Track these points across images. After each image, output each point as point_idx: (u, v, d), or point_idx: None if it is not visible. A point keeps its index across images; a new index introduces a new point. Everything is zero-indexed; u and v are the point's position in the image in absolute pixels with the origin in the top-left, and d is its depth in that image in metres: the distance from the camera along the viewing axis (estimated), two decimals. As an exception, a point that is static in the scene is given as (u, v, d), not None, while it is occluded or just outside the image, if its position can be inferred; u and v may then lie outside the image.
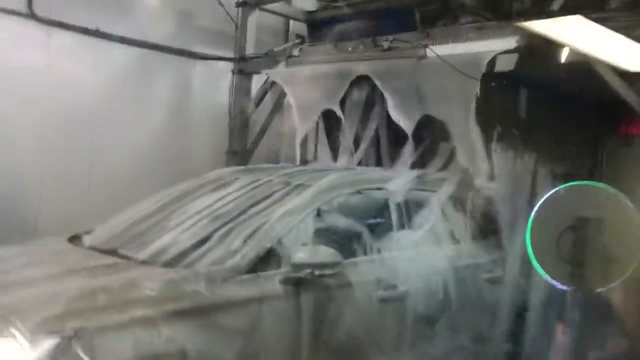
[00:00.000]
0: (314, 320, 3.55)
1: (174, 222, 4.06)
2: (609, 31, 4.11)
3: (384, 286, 3.95)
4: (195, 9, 7.46)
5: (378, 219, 4.30)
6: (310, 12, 6.91)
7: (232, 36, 7.47)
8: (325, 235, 3.86)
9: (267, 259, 3.54)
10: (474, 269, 4.57)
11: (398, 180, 4.59)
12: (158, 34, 7.10)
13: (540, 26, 4.29)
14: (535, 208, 4.35)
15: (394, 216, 4.25)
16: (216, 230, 3.77)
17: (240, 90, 7.45)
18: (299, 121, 6.40)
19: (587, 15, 4.32)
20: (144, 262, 3.57)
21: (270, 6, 7.50)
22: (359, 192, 4.27)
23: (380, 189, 4.40)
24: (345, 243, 3.95)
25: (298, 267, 3.47)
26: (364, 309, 3.83)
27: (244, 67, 7.39)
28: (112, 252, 3.81)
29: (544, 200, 4.36)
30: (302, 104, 6.32)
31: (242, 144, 7.48)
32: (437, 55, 5.00)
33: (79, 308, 2.89)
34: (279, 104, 7.60)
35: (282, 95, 7.49)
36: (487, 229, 4.91)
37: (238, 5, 7.35)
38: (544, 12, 4.44)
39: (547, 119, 5.80)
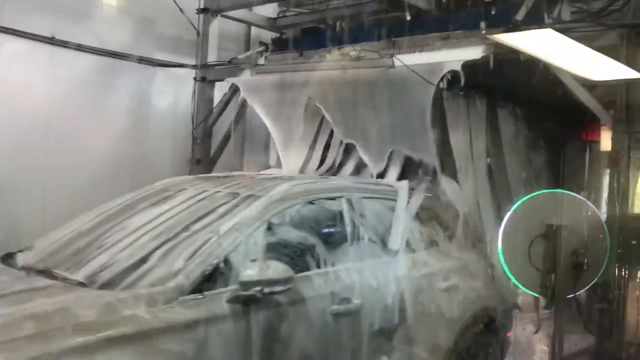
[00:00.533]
0: (265, 340, 3.40)
1: (114, 238, 3.79)
2: (572, 42, 4.21)
3: (339, 300, 3.79)
4: (156, 15, 7.32)
5: (332, 230, 4.17)
6: (274, 19, 6.85)
7: (193, 43, 7.36)
8: (276, 249, 3.69)
9: (213, 278, 3.33)
10: (429, 278, 4.48)
11: (353, 190, 4.49)
12: (117, 41, 6.94)
13: (506, 37, 4.37)
14: (507, 216, 4.44)
15: (349, 227, 4.12)
16: (158, 247, 3.53)
17: (202, 98, 7.36)
18: (271, 129, 6.38)
19: (549, 26, 4.44)
20: (80, 284, 3.29)
21: (231, 13, 7.42)
22: (311, 203, 4.10)
23: (333, 198, 4.25)
24: (298, 257, 3.79)
25: (246, 284, 3.27)
26: (317, 325, 3.67)
27: (206, 74, 7.30)
28: (46, 273, 3.50)
29: (515, 209, 4.45)
30: (270, 112, 6.27)
31: (205, 152, 7.38)
32: (404, 65, 5.02)
33: (2, 340, 2.62)
34: (242, 112, 7.54)
35: (245, 102, 7.44)
36: (444, 237, 4.89)
37: (199, 12, 7.25)
38: (511, 24, 4.48)
39: (511, 126, 5.91)
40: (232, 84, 6.82)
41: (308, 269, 3.77)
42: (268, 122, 6.36)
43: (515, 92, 5.62)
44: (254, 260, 3.39)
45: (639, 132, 4.76)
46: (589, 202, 4.57)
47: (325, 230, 4.13)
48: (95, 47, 6.75)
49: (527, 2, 4.88)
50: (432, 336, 4.37)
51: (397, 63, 5.18)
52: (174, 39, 7.53)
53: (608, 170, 4.85)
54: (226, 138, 7.43)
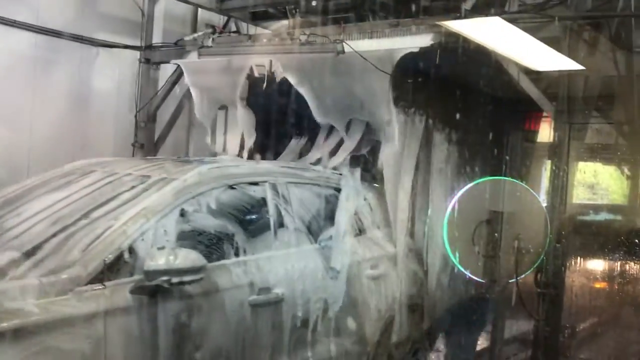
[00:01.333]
0: (174, 334, 3.20)
1: (7, 224, 3.50)
2: (519, 31, 4.28)
3: (258, 290, 3.63)
4: (99, -6, 7.07)
5: (254, 217, 3.95)
6: (222, 1, 6.71)
7: (138, 24, 7.14)
8: (190, 237, 3.47)
9: (115, 267, 3.08)
10: (356, 266, 4.36)
11: (278, 173, 4.31)
12: (57, 19, 6.65)
13: (456, 25, 4.41)
14: (452, 203, 4.50)
15: (272, 214, 3.96)
16: (55, 235, 3.24)
17: (147, 80, 7.16)
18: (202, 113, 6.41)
19: (496, 15, 4.50)
20: None
21: (178, -6, 7.23)
22: (231, 188, 3.88)
23: (256, 183, 4.05)
24: (214, 245, 3.59)
25: (151, 274, 3.02)
26: (234, 317, 3.50)
27: (150, 56, 7.10)
28: None
29: (460, 195, 4.52)
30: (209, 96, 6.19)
31: (149, 137, 7.20)
32: (355, 51, 5.00)
33: None
34: (188, 95, 7.38)
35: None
36: (375, 223, 4.84)
37: (144, -9, 7.03)
38: (458, 11, 4.53)
39: (457, 114, 5.98)
40: (178, 66, 6.66)
41: (225, 258, 3.59)
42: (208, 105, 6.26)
43: (460, 80, 5.68)
44: (161, 248, 3.17)
45: (579, 123, 4.89)
46: (531, 190, 4.68)
47: (246, 217, 3.89)
48: (33, 24, 6.46)
49: (475, -8, 4.93)
50: (356, 327, 4.25)
51: (346, 49, 5.15)
52: (117, 19, 7.29)
53: (549, 160, 4.97)
54: (171, 122, 7.27)
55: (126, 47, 7.21)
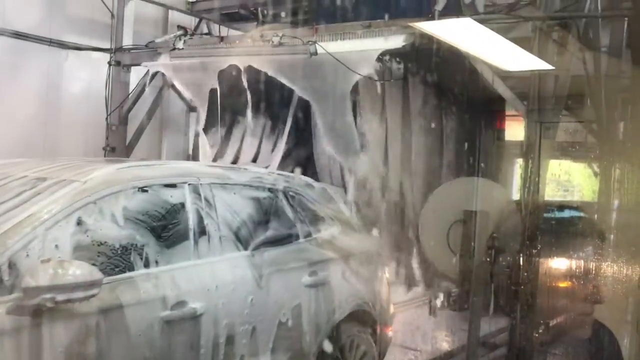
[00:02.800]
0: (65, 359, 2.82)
1: None
2: (490, 32, 4.32)
3: (172, 305, 3.24)
4: (67, -4, 6.95)
5: (168, 223, 3.50)
6: (193, 3, 6.67)
7: (108, 26, 7.04)
8: (88, 248, 3.08)
9: None
10: (291, 273, 3.99)
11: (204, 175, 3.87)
12: (24, 21, 6.53)
13: (428, 26, 4.44)
14: (426, 201, 4.53)
15: (192, 219, 3.56)
16: None
17: (117, 83, 7.07)
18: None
19: (467, 16, 4.55)
20: None
21: (148, -4, 7.17)
22: (143, 190, 3.45)
23: (174, 185, 3.61)
24: (119, 256, 3.20)
25: (31, 291, 2.63)
26: (142, 336, 3.11)
27: (121, 58, 7.02)
28: None
29: (433, 194, 4.55)
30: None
31: (121, 140, 7.11)
32: (328, 53, 5.00)
33: None
34: (159, 97, 7.32)
35: (163, 88, 7.23)
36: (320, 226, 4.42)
37: (114, -7, 6.95)
38: (431, 13, 4.56)
39: (430, 114, 6.03)
40: (148, 69, 6.60)
41: (131, 271, 3.19)
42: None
43: (432, 82, 5.73)
44: (45, 261, 2.76)
45: (549, 122, 4.96)
46: (504, 189, 4.73)
47: (160, 223, 3.45)
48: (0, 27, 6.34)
49: (446, -7, 4.98)
50: (291, 341, 3.90)
51: (319, 50, 5.15)
52: (86, 21, 7.18)
53: (521, 159, 5.04)
54: (143, 125, 7.19)
55: (96, 49, 7.12)
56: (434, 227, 4.49)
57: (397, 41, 5.00)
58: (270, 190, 4.20)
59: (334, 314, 4.16)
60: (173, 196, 3.57)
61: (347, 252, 4.42)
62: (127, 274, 3.16)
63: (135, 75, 7.15)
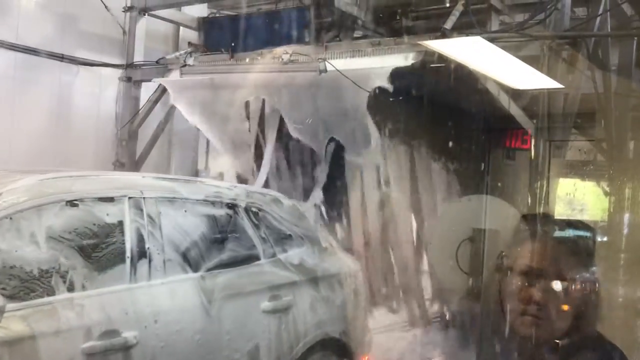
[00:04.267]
0: None
1: None
2: (500, 51, 4.33)
3: (98, 335, 2.89)
4: (80, 12, 7.02)
5: (102, 243, 3.13)
6: (204, 19, 6.73)
7: (119, 42, 7.11)
8: None
9: None
10: (248, 298, 3.62)
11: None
12: (37, 37, 6.60)
13: (437, 44, 4.46)
14: (435, 220, 4.51)
15: (130, 238, 3.18)
16: None
17: (128, 98, 7.12)
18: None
19: (477, 34, 4.56)
20: None
21: (160, 12, 7.23)
22: (72, 205, 3.05)
23: (111, 199, 3.22)
24: (36, 280, 2.84)
25: None
26: None
27: (132, 74, 7.07)
28: None
29: (443, 212, 4.54)
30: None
31: (130, 155, 7.14)
32: (337, 70, 5.03)
33: None
34: (170, 114, 7.36)
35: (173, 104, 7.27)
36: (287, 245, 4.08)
37: (126, 10, 7.02)
38: (441, 32, 4.58)
39: (438, 131, 6.03)
40: (160, 84, 6.65)
41: (51, 295, 2.84)
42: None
43: (441, 99, 5.73)
44: None
45: (559, 140, 4.95)
46: (513, 207, 4.71)
47: (90, 242, 3.07)
48: (12, 43, 6.41)
49: (455, 12, 5.00)
50: None
51: (328, 67, 5.18)
52: (98, 37, 7.26)
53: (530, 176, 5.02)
54: (153, 140, 7.23)
55: (107, 65, 7.18)
56: (443, 245, 4.47)
57: (405, 59, 5.02)
58: (229, 206, 3.81)
59: (298, 344, 3.76)
60: (109, 212, 3.18)
61: (317, 274, 4.06)
62: (45, 300, 2.80)
63: (145, 91, 7.20)
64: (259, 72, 5.57)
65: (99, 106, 7.35)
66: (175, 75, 6.49)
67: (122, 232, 3.19)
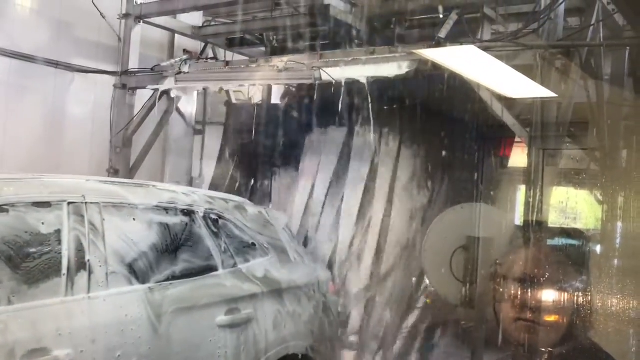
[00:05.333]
0: None
1: None
2: (493, 59, 4.36)
3: (24, 354, 2.61)
4: (75, 19, 7.04)
5: (34, 253, 2.86)
6: (199, 28, 6.75)
7: (114, 49, 7.12)
8: None
9: None
10: (202, 312, 3.35)
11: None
12: (32, 44, 6.60)
13: (432, 53, 4.48)
14: (429, 228, 4.52)
15: (69, 247, 2.92)
16: None
17: (122, 105, 7.12)
18: None
19: (471, 43, 4.59)
20: None
21: (155, 20, 7.24)
22: (1, 210, 2.81)
23: (47, 204, 2.92)
24: None
25: None
26: None
27: (127, 81, 7.07)
28: None
29: (437, 220, 4.55)
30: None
31: (125, 162, 7.13)
32: (332, 78, 5.04)
33: None
34: (164, 121, 7.36)
35: (168, 111, 7.28)
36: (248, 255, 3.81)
37: (121, 17, 7.03)
38: (435, 40, 4.61)
39: (433, 139, 6.05)
40: (155, 91, 6.65)
41: None
42: None
43: (435, 107, 5.76)
44: None
45: (552, 149, 4.97)
46: (507, 215, 4.72)
47: (19, 252, 2.80)
48: (7, 49, 6.41)
49: (449, 21, 5.03)
50: None
51: (323, 76, 5.20)
52: (94, 44, 7.26)
53: (524, 185, 5.04)
54: (147, 147, 7.22)
55: (102, 72, 7.18)
56: (437, 253, 4.48)
57: (400, 67, 5.04)
58: (185, 213, 3.54)
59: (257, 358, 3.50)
60: (44, 219, 2.89)
61: (281, 286, 3.81)
62: None
63: (140, 99, 7.20)
64: (253, 80, 5.59)
65: (94, 113, 7.35)
66: (170, 82, 6.50)
67: (59, 241, 2.90)
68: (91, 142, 7.34)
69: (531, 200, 4.89)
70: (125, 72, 7.04)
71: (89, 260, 2.96)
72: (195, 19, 7.91)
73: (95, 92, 7.29)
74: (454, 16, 4.96)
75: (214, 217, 3.71)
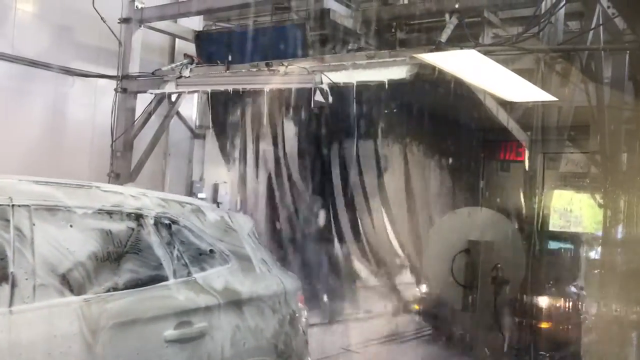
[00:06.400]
0: None
1: None
2: (494, 63, 4.36)
3: None
4: (76, 24, 7.05)
5: None
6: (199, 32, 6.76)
7: (115, 54, 7.13)
8: None
9: None
10: (148, 326, 3.03)
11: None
12: (33, 49, 6.62)
13: (432, 57, 4.48)
14: (431, 231, 4.52)
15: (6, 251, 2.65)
16: None
17: (123, 109, 7.13)
18: None
19: (471, 47, 4.59)
20: None
21: (156, 24, 7.25)
22: None
23: None
24: None
25: None
26: None
27: (127, 85, 7.08)
28: None
29: (438, 224, 4.54)
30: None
31: (125, 166, 7.13)
32: (332, 82, 5.05)
33: None
34: (165, 125, 7.38)
35: (168, 115, 7.29)
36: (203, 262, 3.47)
37: (121, 22, 7.04)
38: (435, 45, 4.61)
39: (434, 143, 6.06)
40: (155, 95, 6.66)
41: None
42: None
43: (436, 111, 5.77)
44: None
45: (553, 153, 4.98)
46: (507, 219, 4.72)
47: None
48: (8, 54, 6.42)
49: (450, 25, 5.04)
50: None
51: (324, 80, 5.20)
52: (94, 49, 7.27)
53: (525, 189, 5.04)
54: (148, 151, 7.23)
55: (103, 76, 7.19)
56: (438, 257, 4.48)
57: (400, 72, 5.04)
58: (132, 218, 3.22)
59: None
60: None
61: (242, 297, 3.51)
62: None
63: (141, 103, 7.21)
64: (254, 84, 5.59)
65: (95, 117, 7.37)
66: (170, 86, 6.50)
67: None
68: (91, 146, 7.35)
69: (532, 203, 4.89)
70: (126, 76, 7.05)
71: (12, 273, 2.62)
72: (196, 23, 7.93)
73: (96, 96, 7.31)
74: (454, 20, 4.97)
75: (166, 222, 3.38)
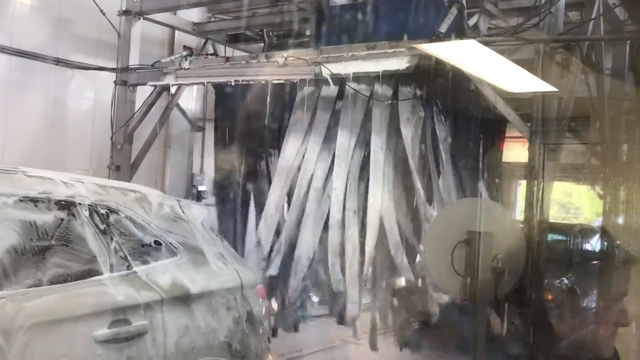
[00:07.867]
0: None
1: None
2: (494, 53, 4.35)
3: None
4: (75, 16, 7.03)
5: None
6: (199, 24, 6.74)
7: (114, 46, 7.11)
8: None
9: None
10: (77, 325, 2.73)
11: None
12: (32, 41, 6.61)
13: (432, 47, 4.48)
14: (431, 222, 4.53)
15: None
16: None
17: (123, 102, 7.11)
18: None
19: (472, 38, 4.59)
20: None
21: (155, 16, 7.24)
22: None
23: None
24: None
25: None
26: None
27: (127, 78, 7.07)
28: None
29: (438, 215, 4.55)
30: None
31: (126, 158, 7.13)
32: (332, 73, 5.04)
33: None
34: (165, 117, 7.37)
35: (168, 107, 7.28)
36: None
37: (121, 14, 7.02)
38: (436, 35, 4.59)
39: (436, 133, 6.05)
40: (155, 87, 6.65)
41: None
42: None
43: (437, 103, 5.75)
44: None
45: (553, 144, 4.97)
46: (508, 210, 4.73)
47: None
48: (7, 47, 6.41)
49: (449, 15, 5.02)
50: None
51: (324, 71, 5.19)
52: (93, 41, 7.26)
53: (525, 180, 5.04)
54: (148, 143, 7.23)
55: (102, 69, 7.18)
56: (438, 247, 4.48)
57: (400, 63, 5.03)
58: (62, 206, 2.92)
59: None
60: None
61: (190, 293, 3.23)
62: None
63: (141, 95, 7.20)
64: (254, 75, 5.58)
65: (95, 110, 7.37)
66: (170, 78, 6.49)
67: None
68: (92, 138, 7.36)
69: (532, 194, 4.89)
70: (126, 69, 7.04)
71: None
72: (195, 15, 7.92)
73: (96, 88, 7.31)
74: (454, 10, 4.95)
75: (102, 211, 3.08)
